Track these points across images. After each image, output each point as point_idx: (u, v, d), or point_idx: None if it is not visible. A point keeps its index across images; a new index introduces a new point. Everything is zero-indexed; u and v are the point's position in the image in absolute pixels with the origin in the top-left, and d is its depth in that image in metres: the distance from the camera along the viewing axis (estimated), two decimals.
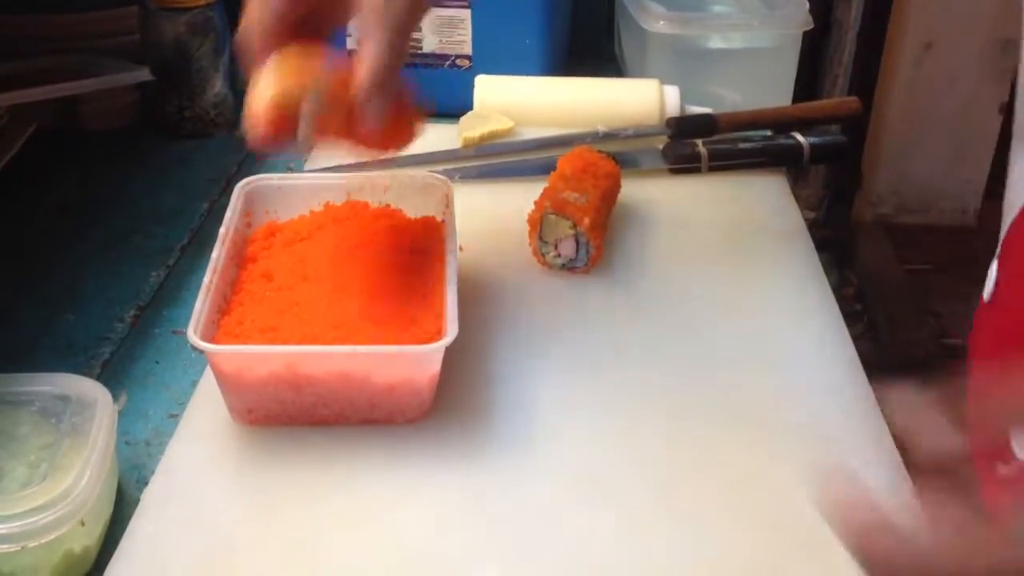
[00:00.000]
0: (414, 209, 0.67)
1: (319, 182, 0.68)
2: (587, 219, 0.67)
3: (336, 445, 0.55)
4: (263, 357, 0.54)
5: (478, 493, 0.53)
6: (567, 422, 0.57)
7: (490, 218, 0.73)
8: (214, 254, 0.59)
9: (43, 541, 0.46)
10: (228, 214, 0.63)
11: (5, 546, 0.46)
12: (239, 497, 0.53)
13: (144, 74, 0.87)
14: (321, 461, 0.55)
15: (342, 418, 0.56)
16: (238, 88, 0.92)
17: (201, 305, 0.55)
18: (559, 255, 0.69)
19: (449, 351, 0.54)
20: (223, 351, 0.54)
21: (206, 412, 0.58)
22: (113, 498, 0.52)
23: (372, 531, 0.51)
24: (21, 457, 0.49)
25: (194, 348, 0.53)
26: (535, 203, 0.70)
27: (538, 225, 0.68)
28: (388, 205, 0.67)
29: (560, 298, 0.68)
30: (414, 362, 0.54)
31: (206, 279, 0.57)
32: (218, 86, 0.90)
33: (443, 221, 0.65)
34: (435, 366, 0.55)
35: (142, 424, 0.59)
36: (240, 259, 0.62)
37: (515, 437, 0.56)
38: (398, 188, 0.67)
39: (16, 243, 0.77)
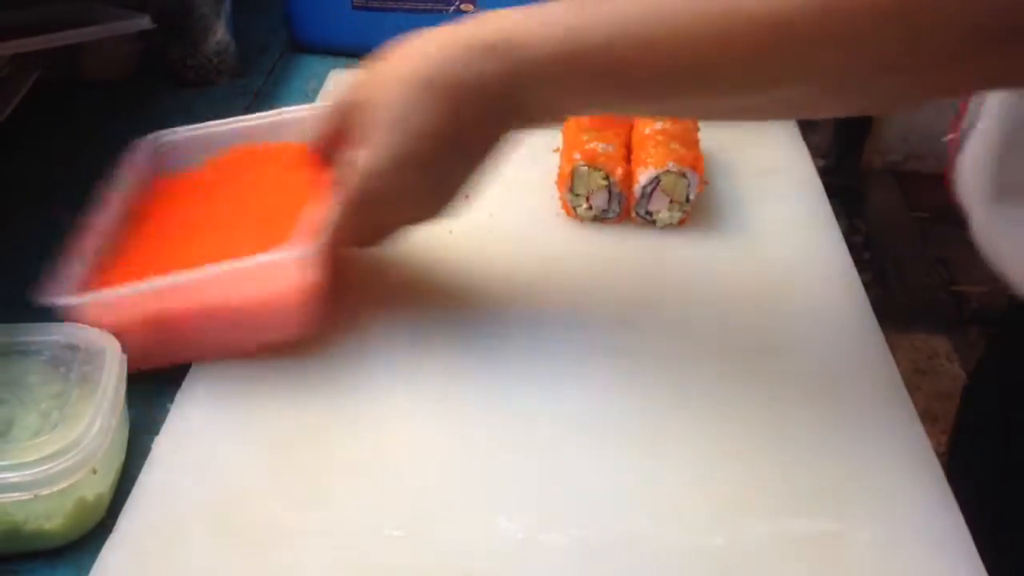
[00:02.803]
0: None
1: (214, 131, 0.67)
2: (620, 169, 0.66)
3: (345, 388, 0.56)
4: (123, 301, 0.54)
5: (483, 435, 0.53)
6: (573, 364, 0.57)
7: None
8: (97, 216, 0.59)
9: (55, 489, 0.46)
10: (117, 174, 0.62)
11: (18, 494, 0.46)
12: (249, 443, 0.53)
13: (145, 22, 0.86)
14: (330, 404, 0.55)
15: (217, 347, 0.57)
16: (240, 36, 0.91)
17: (72, 266, 0.55)
18: (590, 207, 0.68)
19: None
20: (80, 303, 0.53)
21: (214, 361, 0.58)
22: (124, 446, 0.53)
23: (382, 472, 0.51)
24: (32, 406, 0.50)
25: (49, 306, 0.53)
26: (561, 156, 0.69)
27: (569, 179, 0.67)
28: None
29: (561, 242, 0.67)
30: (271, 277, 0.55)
31: (85, 241, 0.57)
32: (220, 33, 0.88)
33: None
34: (293, 278, 0.55)
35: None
36: (128, 216, 0.62)
37: (520, 380, 0.56)
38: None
39: (20, 193, 0.76)
